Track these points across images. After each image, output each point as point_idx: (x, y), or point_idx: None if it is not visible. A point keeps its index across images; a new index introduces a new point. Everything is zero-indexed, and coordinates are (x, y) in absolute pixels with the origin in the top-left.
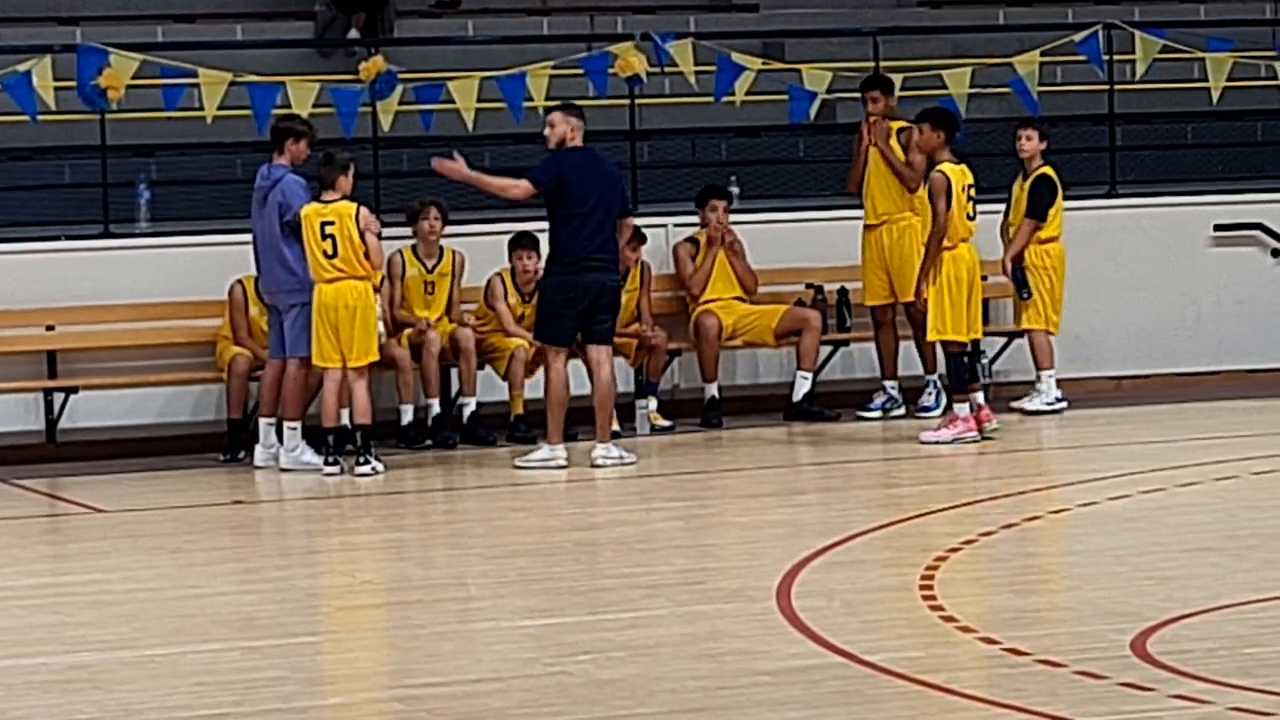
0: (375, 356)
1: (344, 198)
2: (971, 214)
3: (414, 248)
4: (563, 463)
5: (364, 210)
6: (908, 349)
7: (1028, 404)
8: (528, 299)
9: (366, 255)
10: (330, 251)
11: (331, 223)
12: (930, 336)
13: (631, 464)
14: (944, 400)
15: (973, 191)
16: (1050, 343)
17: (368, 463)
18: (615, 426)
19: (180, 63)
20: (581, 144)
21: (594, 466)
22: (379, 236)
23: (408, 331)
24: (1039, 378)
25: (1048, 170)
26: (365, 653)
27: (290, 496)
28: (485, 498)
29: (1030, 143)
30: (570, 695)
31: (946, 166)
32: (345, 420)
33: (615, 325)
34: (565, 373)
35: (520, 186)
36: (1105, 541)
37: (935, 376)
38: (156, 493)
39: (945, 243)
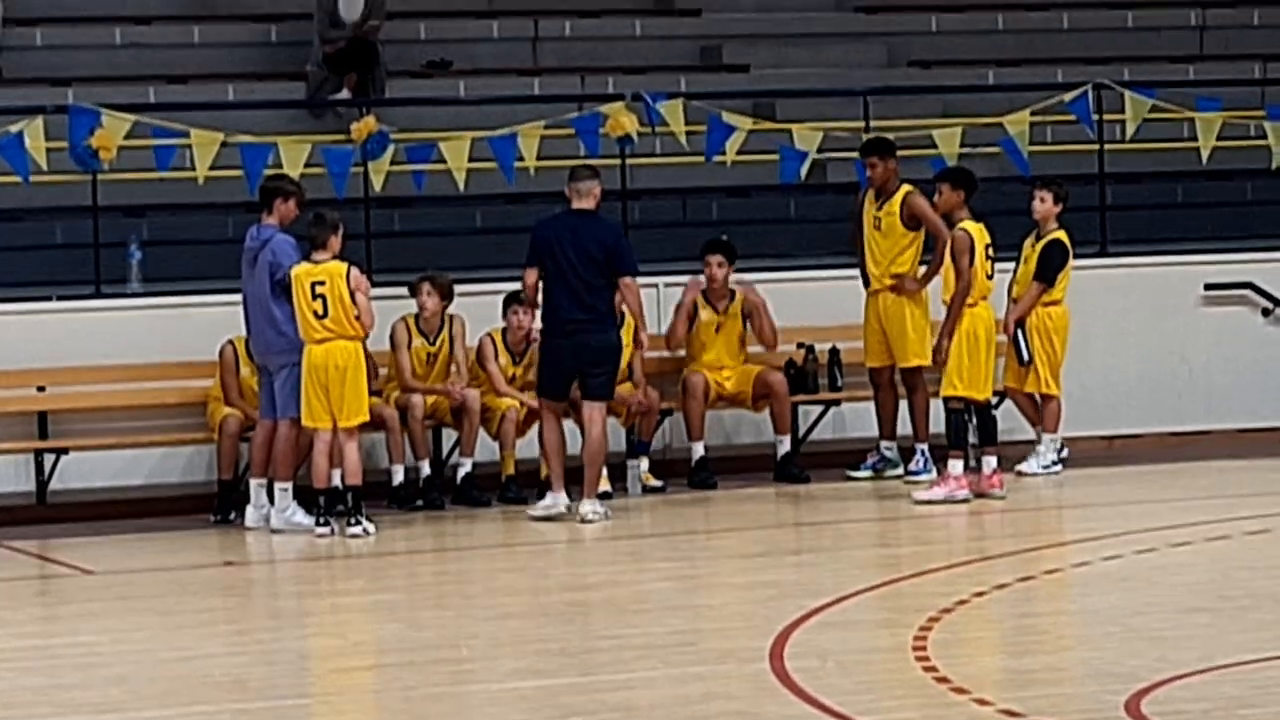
0: (366, 417)
1: (334, 257)
2: (990, 273)
3: (416, 318)
4: (562, 510)
5: (354, 270)
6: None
7: (1024, 466)
8: (518, 359)
9: (357, 316)
10: (321, 312)
11: (322, 283)
12: (943, 391)
13: (608, 520)
14: (933, 469)
15: (990, 250)
16: (1059, 406)
17: (358, 523)
18: (606, 486)
19: (172, 123)
20: (580, 207)
21: (582, 522)
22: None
23: (433, 397)
24: (1039, 439)
25: (1060, 235)
26: (357, 715)
27: (281, 558)
28: (476, 558)
29: (1044, 205)
30: None
31: (968, 224)
32: (336, 481)
33: (612, 380)
34: (555, 425)
35: (527, 285)
36: (1099, 601)
37: (925, 445)
38: (147, 554)
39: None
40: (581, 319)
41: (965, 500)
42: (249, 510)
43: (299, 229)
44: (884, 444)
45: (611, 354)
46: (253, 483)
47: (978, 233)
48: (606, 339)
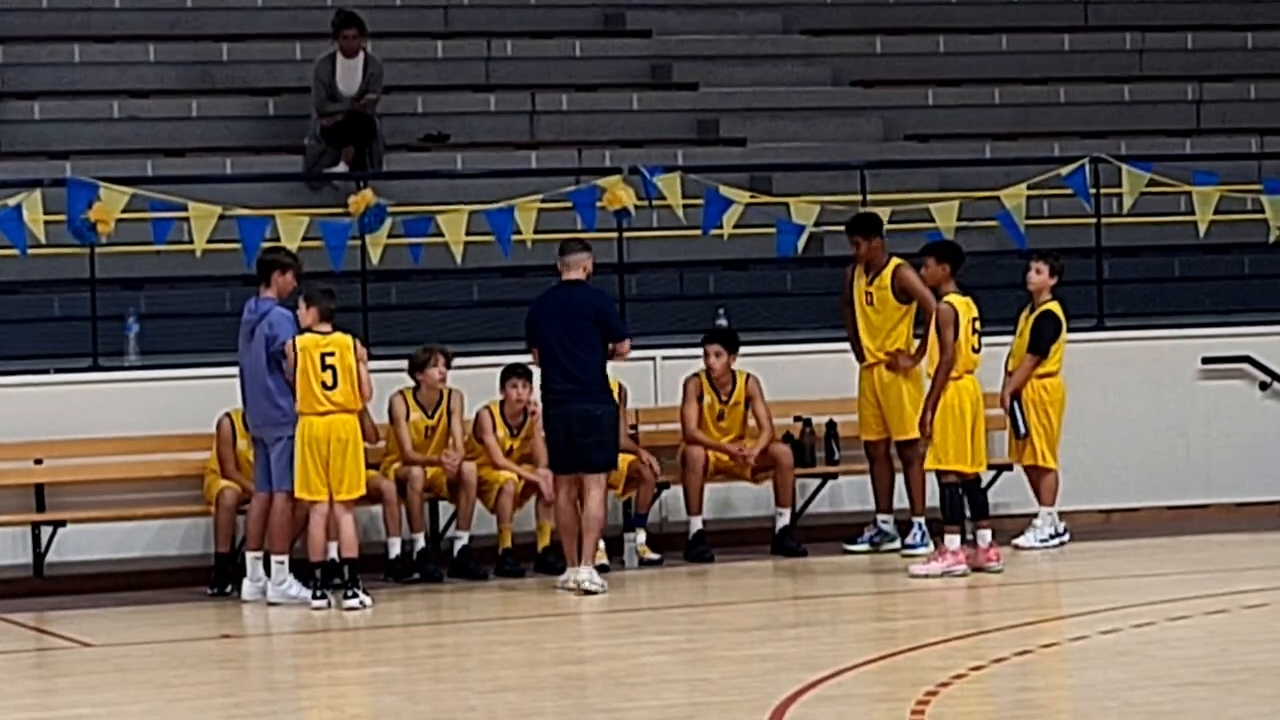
0: (363, 490)
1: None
2: (977, 346)
3: (414, 391)
4: (573, 584)
5: (357, 343)
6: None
7: (1021, 540)
8: (516, 432)
9: (360, 387)
10: (330, 383)
11: (332, 354)
12: (928, 465)
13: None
14: (930, 542)
15: (978, 324)
16: (1057, 479)
17: (355, 596)
18: (603, 559)
19: (170, 196)
20: (570, 279)
21: (584, 593)
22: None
23: (435, 469)
24: (1038, 513)
25: (1053, 306)
26: None
27: (278, 630)
28: (473, 631)
29: (1039, 276)
30: None
31: (953, 298)
32: (333, 554)
33: (603, 450)
34: (564, 501)
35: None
36: (1096, 676)
37: (922, 519)
38: (144, 626)
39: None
40: (568, 389)
41: (963, 575)
42: (245, 583)
43: (289, 299)
44: (880, 518)
45: (596, 423)
46: (249, 555)
47: (964, 306)
48: (588, 409)
